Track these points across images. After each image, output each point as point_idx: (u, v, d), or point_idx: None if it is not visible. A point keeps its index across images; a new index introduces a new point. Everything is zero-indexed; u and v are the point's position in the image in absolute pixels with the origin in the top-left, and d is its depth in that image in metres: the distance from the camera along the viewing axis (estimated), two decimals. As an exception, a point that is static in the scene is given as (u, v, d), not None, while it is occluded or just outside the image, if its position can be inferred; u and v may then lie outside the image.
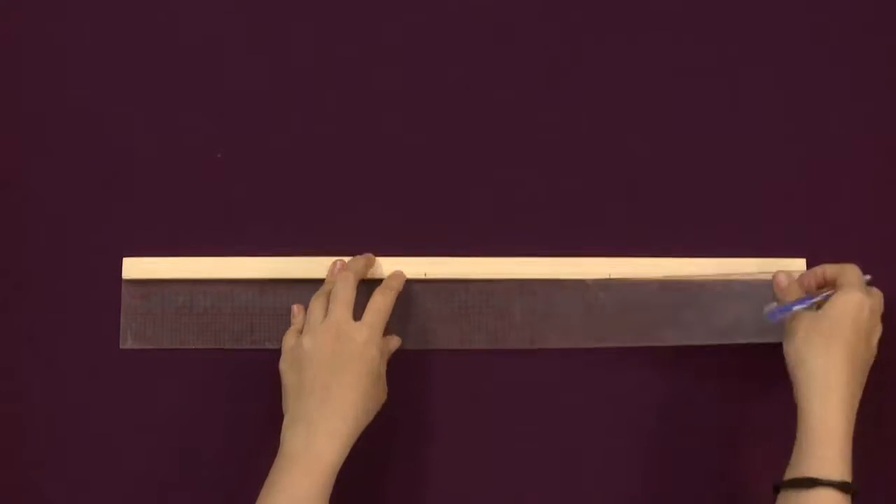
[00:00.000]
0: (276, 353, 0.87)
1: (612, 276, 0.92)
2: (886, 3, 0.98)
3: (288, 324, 0.89)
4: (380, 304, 0.86)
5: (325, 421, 0.81)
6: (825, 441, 0.80)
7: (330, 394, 0.82)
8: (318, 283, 0.90)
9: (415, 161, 0.96)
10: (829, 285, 0.87)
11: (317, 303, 0.86)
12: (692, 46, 0.97)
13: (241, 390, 0.92)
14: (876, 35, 0.98)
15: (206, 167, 0.95)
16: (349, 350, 0.83)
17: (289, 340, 0.86)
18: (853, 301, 0.84)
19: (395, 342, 0.89)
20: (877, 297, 0.87)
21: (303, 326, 0.86)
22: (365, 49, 0.97)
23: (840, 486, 0.79)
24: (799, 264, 0.92)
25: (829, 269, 0.88)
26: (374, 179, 0.95)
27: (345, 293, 0.86)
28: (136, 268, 0.93)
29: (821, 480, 0.79)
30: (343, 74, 0.96)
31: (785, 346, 0.85)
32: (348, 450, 0.81)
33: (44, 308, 0.93)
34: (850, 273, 0.87)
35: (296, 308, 0.89)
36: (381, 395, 0.85)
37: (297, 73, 0.97)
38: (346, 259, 0.91)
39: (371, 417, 0.84)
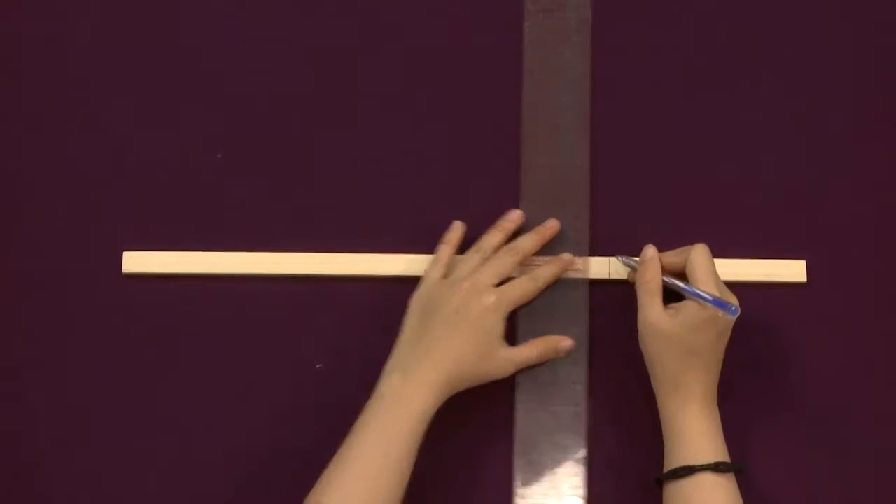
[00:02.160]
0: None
1: (612, 276, 0.92)
2: (887, 3, 0.98)
3: None
4: (522, 283, 0.88)
5: (421, 371, 0.82)
6: (691, 434, 0.83)
7: (436, 347, 0.83)
8: (323, 279, 0.90)
9: (415, 161, 0.96)
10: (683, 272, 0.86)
11: (473, 257, 0.88)
12: (693, 47, 0.97)
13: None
14: (876, 35, 0.98)
15: (206, 167, 0.95)
16: (469, 310, 0.84)
17: (431, 274, 0.88)
18: (712, 319, 0.82)
19: (566, 346, 0.89)
20: (732, 300, 0.84)
21: (447, 265, 0.88)
22: (365, 49, 0.97)
23: (716, 468, 0.81)
24: (799, 266, 0.92)
25: (678, 258, 0.87)
26: (375, 179, 0.95)
27: (501, 265, 0.88)
28: (136, 261, 0.93)
29: (696, 466, 0.81)
30: (343, 74, 0.96)
31: (641, 337, 0.85)
32: (441, 401, 0.82)
33: (44, 307, 0.93)
34: (703, 271, 0.84)
35: (453, 237, 0.90)
36: (493, 367, 0.86)
37: (297, 73, 0.97)
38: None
39: (474, 381, 0.85)
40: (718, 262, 0.89)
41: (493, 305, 0.85)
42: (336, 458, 0.80)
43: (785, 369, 0.92)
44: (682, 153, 0.96)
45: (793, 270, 0.92)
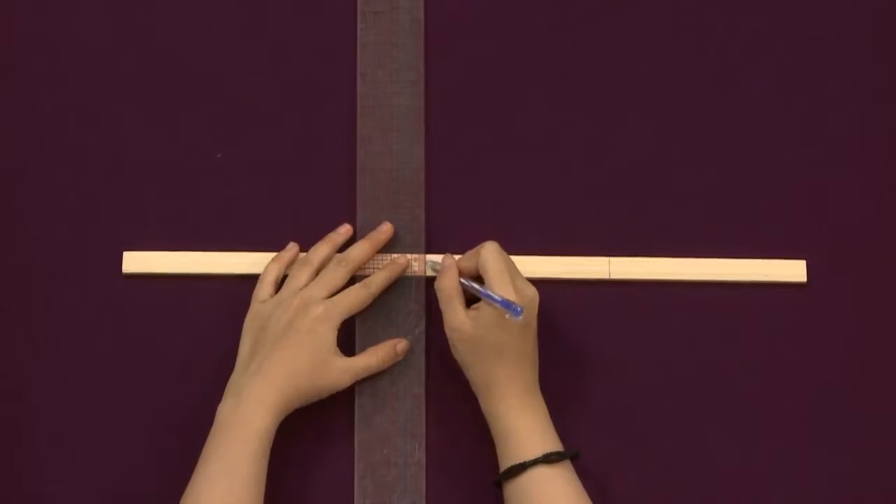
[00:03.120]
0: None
1: (613, 277, 0.92)
2: (887, 3, 0.98)
3: None
4: (354, 291, 0.87)
5: (253, 389, 0.82)
6: (517, 430, 0.83)
7: (268, 366, 0.83)
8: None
9: (414, 160, 0.95)
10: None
11: (302, 272, 0.87)
12: (692, 46, 0.97)
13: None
14: (876, 35, 0.98)
15: (206, 167, 0.95)
16: (298, 324, 0.84)
17: (259, 295, 0.88)
18: (514, 322, 0.82)
19: (402, 348, 0.89)
20: (528, 294, 0.84)
21: (275, 283, 0.88)
22: (365, 48, 0.97)
23: (546, 459, 0.81)
24: (799, 266, 0.92)
25: (471, 260, 0.86)
26: (374, 179, 0.95)
27: (331, 278, 0.87)
28: (136, 261, 0.93)
29: (526, 462, 0.81)
30: (343, 74, 0.96)
31: (450, 343, 0.85)
32: (278, 419, 0.82)
33: (44, 307, 0.93)
34: (492, 270, 0.84)
35: (284, 256, 0.90)
36: (328, 378, 0.85)
37: (297, 73, 0.97)
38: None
39: (311, 396, 0.85)
40: (718, 262, 0.89)
41: (322, 316, 0.84)
42: (185, 493, 0.80)
43: (785, 369, 0.92)
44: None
45: (793, 270, 0.92)
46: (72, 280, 0.93)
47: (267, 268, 0.89)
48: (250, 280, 0.92)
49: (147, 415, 0.91)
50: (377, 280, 0.89)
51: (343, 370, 0.86)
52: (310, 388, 0.84)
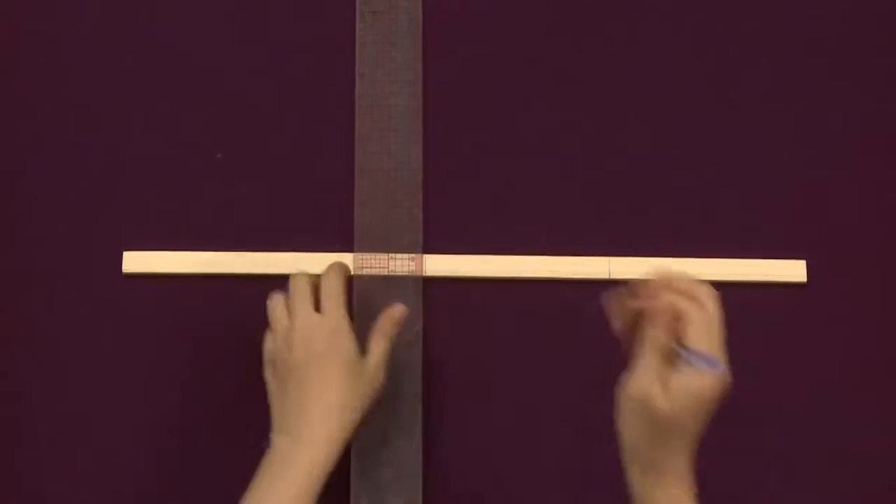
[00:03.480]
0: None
1: (613, 276, 0.92)
2: (887, 2, 0.98)
3: None
4: (330, 286, 0.84)
5: (305, 429, 0.79)
6: None
7: (308, 399, 0.80)
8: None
9: (414, 160, 0.95)
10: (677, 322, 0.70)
11: (276, 304, 0.84)
12: (692, 46, 0.97)
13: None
14: (876, 34, 0.98)
15: (206, 167, 0.95)
16: (317, 346, 0.81)
17: (267, 345, 0.84)
18: (709, 388, 0.69)
19: (396, 312, 0.86)
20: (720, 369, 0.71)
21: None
22: (365, 48, 0.97)
23: None
24: (799, 266, 0.92)
25: (674, 304, 0.71)
26: (374, 179, 0.95)
27: (297, 289, 0.83)
28: (136, 261, 0.93)
29: None
30: (341, 73, 0.96)
31: (624, 409, 0.72)
32: (340, 450, 0.80)
33: (44, 307, 0.93)
34: (707, 330, 0.70)
35: (270, 304, 0.85)
36: (372, 383, 0.83)
37: (297, 73, 0.97)
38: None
39: (364, 409, 0.82)
40: (717, 261, 0.89)
41: (334, 326, 0.82)
42: None
43: (784, 369, 0.92)
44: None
45: (793, 270, 0.92)
46: (72, 280, 0.93)
47: (271, 309, 0.85)
48: (250, 280, 0.92)
49: (147, 415, 0.91)
50: (336, 266, 0.86)
51: (374, 368, 0.83)
52: (357, 402, 0.82)
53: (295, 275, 0.85)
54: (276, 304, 0.84)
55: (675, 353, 0.68)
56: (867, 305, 0.93)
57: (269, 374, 0.83)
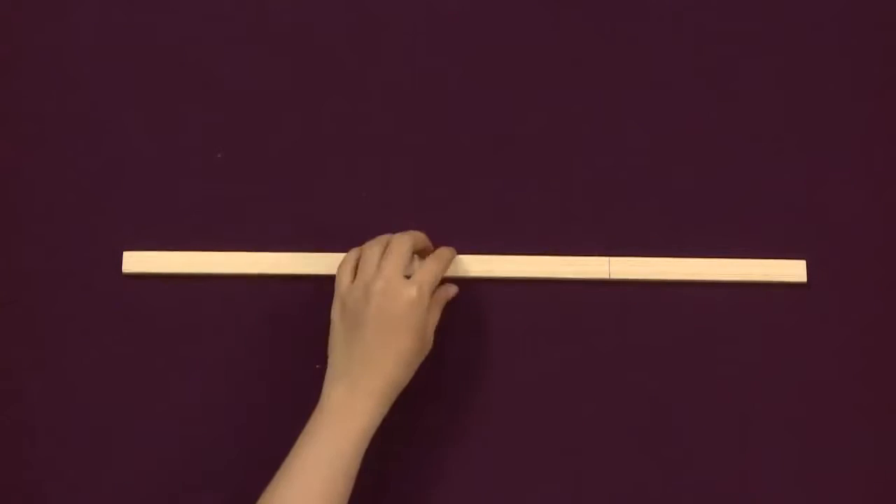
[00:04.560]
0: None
1: (613, 277, 0.92)
2: (886, 2, 0.98)
3: None
4: (432, 266, 0.85)
5: (365, 380, 0.81)
6: None
7: (373, 353, 0.82)
8: (319, 279, 0.91)
9: (414, 160, 0.96)
10: None
11: (372, 251, 0.85)
12: (692, 46, 0.97)
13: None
14: (876, 34, 0.98)
15: (206, 167, 0.95)
16: (396, 309, 0.82)
17: (343, 280, 0.85)
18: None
19: (452, 290, 0.89)
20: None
21: (354, 266, 0.85)
22: (365, 48, 0.97)
23: None
24: (799, 266, 0.92)
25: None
26: (374, 179, 0.95)
27: (400, 248, 0.84)
28: (136, 261, 0.93)
29: None
30: (343, 74, 0.96)
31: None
32: (387, 408, 0.82)
33: (44, 307, 0.93)
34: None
35: (367, 250, 0.86)
36: (426, 349, 0.85)
37: (297, 73, 0.97)
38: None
39: (412, 374, 0.84)
40: (718, 261, 0.89)
41: (416, 300, 0.83)
42: (280, 472, 0.79)
43: (784, 369, 0.92)
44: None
45: (793, 270, 0.92)
46: (72, 280, 0.93)
47: (345, 257, 0.87)
48: (250, 280, 0.92)
49: (147, 414, 0.91)
50: (445, 253, 0.88)
51: (431, 334, 0.85)
52: (415, 366, 0.84)
53: (400, 236, 0.86)
54: (371, 252, 0.85)
55: None
56: (867, 305, 0.93)
57: (336, 315, 0.84)
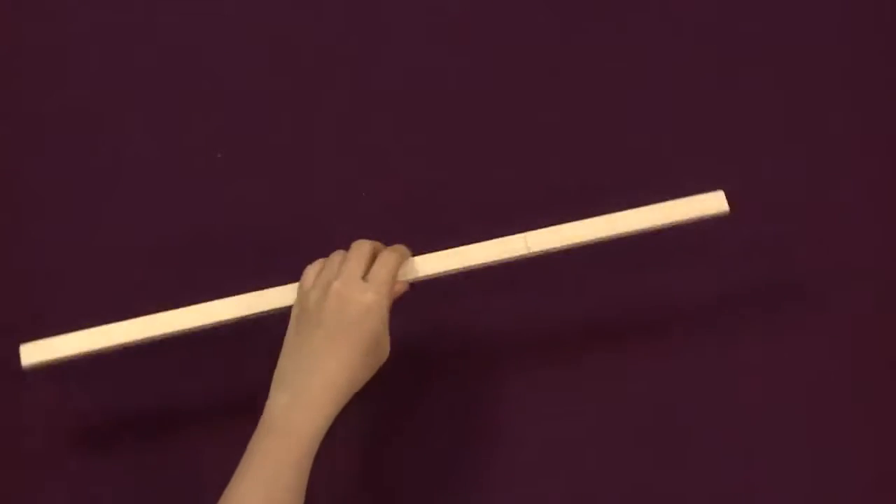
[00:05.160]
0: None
1: (532, 251, 0.86)
2: (886, 2, 0.99)
3: None
4: (388, 260, 0.82)
5: (308, 393, 0.78)
6: None
7: (319, 361, 0.78)
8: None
9: (414, 160, 0.96)
10: None
11: (335, 256, 0.82)
12: (691, 44, 0.98)
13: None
14: (875, 34, 0.98)
15: (207, 167, 0.95)
16: (350, 315, 0.79)
17: (307, 278, 0.82)
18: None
19: (399, 287, 0.84)
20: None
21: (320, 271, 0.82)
22: (365, 48, 0.97)
23: None
24: (718, 196, 0.87)
25: None
26: (374, 179, 0.95)
27: (361, 248, 0.82)
28: (36, 351, 0.83)
29: None
30: (343, 73, 0.97)
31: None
32: (333, 416, 0.78)
33: (43, 307, 0.93)
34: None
35: (331, 255, 0.83)
36: (381, 357, 0.81)
37: (297, 73, 0.97)
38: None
39: (365, 381, 0.80)
40: (640, 210, 0.85)
41: (373, 304, 0.79)
42: (224, 492, 0.76)
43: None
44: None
45: (713, 203, 0.87)
46: (70, 285, 0.94)
47: (316, 261, 0.84)
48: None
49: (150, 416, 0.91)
50: (401, 247, 0.85)
51: (386, 337, 0.81)
52: (367, 374, 0.80)
53: (360, 241, 0.83)
54: (335, 256, 0.82)
55: None
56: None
57: (293, 314, 0.81)
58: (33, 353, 0.82)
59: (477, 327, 0.93)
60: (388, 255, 0.82)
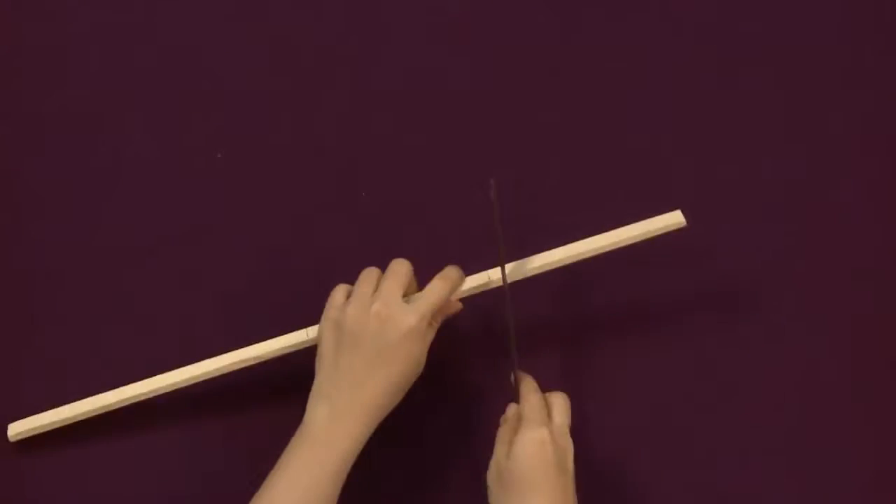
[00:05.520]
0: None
1: (495, 283, 0.86)
2: (886, 2, 0.99)
3: None
4: (436, 288, 0.81)
5: (349, 404, 0.78)
6: None
7: (361, 377, 0.78)
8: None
9: (414, 160, 0.96)
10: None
11: (369, 275, 0.81)
12: (691, 44, 0.98)
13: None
14: (875, 34, 0.98)
15: (207, 167, 0.95)
16: (391, 337, 0.78)
17: (337, 297, 0.81)
18: (534, 441, 0.77)
19: (454, 308, 0.84)
20: (559, 414, 0.81)
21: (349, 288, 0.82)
22: (365, 48, 0.97)
23: None
24: (675, 216, 0.88)
25: (521, 405, 0.82)
26: (374, 178, 0.95)
27: (400, 269, 0.81)
28: (23, 428, 0.87)
29: None
30: (343, 73, 0.97)
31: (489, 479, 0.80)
32: (371, 431, 0.79)
33: (43, 307, 0.93)
34: (532, 405, 0.81)
35: (365, 270, 0.82)
36: (417, 373, 0.81)
37: (297, 73, 0.97)
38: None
39: (401, 398, 0.80)
40: (603, 237, 0.86)
41: (415, 329, 0.78)
42: (260, 492, 0.77)
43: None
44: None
45: (671, 220, 0.88)
46: (70, 285, 0.94)
47: (337, 286, 0.83)
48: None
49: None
50: (451, 273, 0.83)
51: (423, 360, 0.81)
52: (403, 393, 0.81)
53: (398, 260, 0.82)
54: (369, 273, 0.81)
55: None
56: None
57: (328, 332, 0.80)
58: (20, 427, 0.86)
59: (475, 327, 0.93)
60: (438, 283, 0.82)
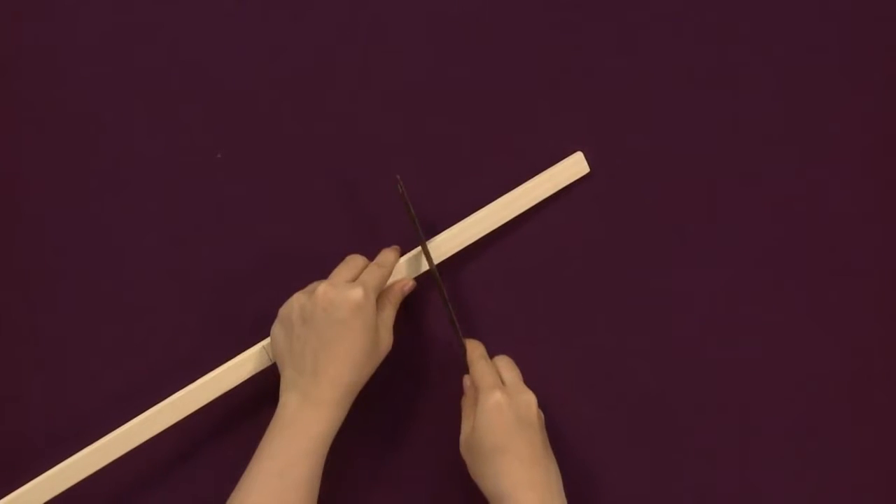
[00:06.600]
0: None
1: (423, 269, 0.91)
2: (886, 2, 0.98)
3: None
4: (373, 270, 0.86)
5: (315, 388, 0.81)
6: None
7: (319, 360, 0.81)
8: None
9: (414, 160, 0.96)
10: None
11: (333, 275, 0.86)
12: (691, 44, 0.98)
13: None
14: (875, 34, 0.98)
15: (207, 167, 0.95)
16: (340, 313, 0.81)
17: (294, 300, 0.85)
18: (489, 408, 0.82)
19: (408, 286, 0.89)
20: (507, 371, 0.86)
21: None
22: (365, 48, 0.97)
23: None
24: (577, 158, 0.92)
25: (470, 375, 0.87)
26: (374, 179, 0.95)
27: (353, 261, 0.86)
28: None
29: None
30: (343, 73, 0.97)
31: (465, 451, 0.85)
32: (345, 412, 0.82)
33: (43, 307, 0.93)
34: (480, 372, 0.85)
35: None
36: (383, 349, 0.85)
37: (297, 73, 0.97)
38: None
39: (369, 375, 0.84)
40: (509, 196, 0.88)
41: (362, 302, 0.82)
42: (237, 487, 0.79)
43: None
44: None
45: (574, 168, 0.92)
46: (69, 285, 0.93)
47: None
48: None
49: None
50: (386, 259, 0.88)
51: (386, 332, 0.85)
52: (370, 369, 0.84)
53: (353, 255, 0.87)
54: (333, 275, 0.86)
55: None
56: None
57: (279, 332, 0.84)
58: None
59: (474, 328, 0.93)
60: (379, 261, 0.87)
